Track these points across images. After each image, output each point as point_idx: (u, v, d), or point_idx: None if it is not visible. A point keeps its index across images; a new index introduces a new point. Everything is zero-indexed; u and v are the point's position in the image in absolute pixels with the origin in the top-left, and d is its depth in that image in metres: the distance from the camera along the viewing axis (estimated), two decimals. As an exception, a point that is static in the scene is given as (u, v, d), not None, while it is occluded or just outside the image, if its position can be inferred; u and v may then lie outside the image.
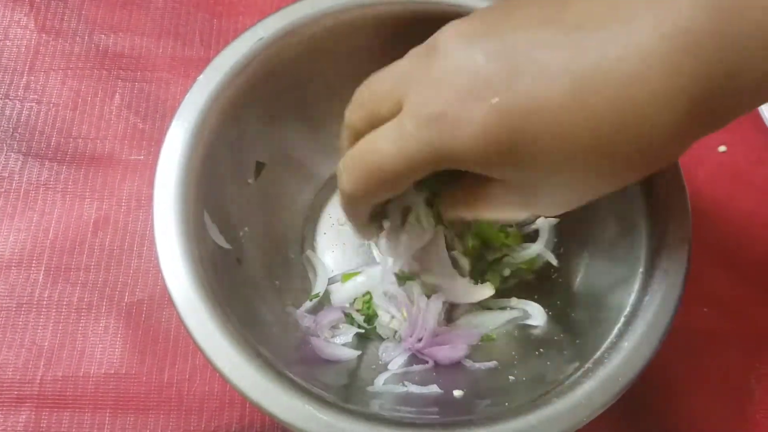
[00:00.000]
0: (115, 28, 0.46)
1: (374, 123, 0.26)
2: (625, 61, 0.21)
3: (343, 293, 0.37)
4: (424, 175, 0.25)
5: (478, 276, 0.37)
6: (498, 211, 0.28)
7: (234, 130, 0.33)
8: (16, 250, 0.40)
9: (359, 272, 0.38)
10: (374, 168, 0.25)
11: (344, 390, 0.32)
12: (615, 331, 0.29)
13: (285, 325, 0.35)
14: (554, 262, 0.37)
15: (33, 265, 0.39)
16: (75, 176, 0.42)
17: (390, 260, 0.36)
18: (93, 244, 0.40)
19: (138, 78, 0.45)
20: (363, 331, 0.36)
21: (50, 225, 0.40)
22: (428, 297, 0.35)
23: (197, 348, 0.27)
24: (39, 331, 0.38)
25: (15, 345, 0.37)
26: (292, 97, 0.36)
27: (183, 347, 0.38)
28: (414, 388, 0.33)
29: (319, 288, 0.37)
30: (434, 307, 0.35)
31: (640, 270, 0.30)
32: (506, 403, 0.29)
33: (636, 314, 0.29)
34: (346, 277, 0.38)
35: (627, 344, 0.28)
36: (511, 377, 0.33)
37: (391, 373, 0.34)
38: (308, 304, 0.37)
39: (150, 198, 0.30)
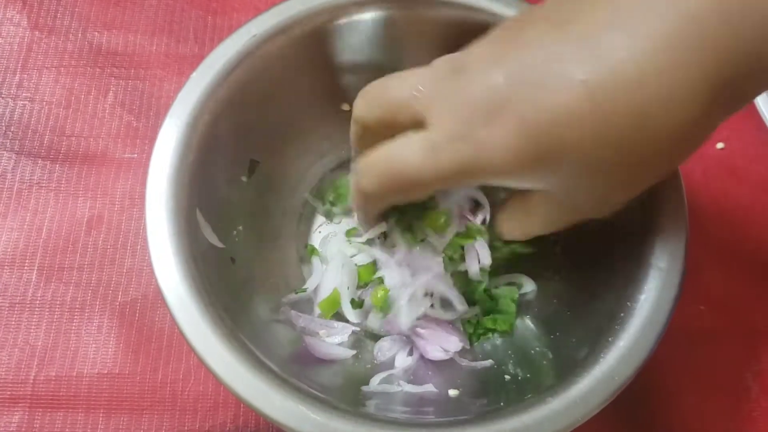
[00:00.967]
0: (108, 26, 0.46)
1: (390, 126, 0.27)
2: (634, 64, 0.21)
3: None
4: (448, 186, 0.26)
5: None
6: (547, 221, 0.29)
7: (227, 128, 0.33)
8: (9, 250, 0.39)
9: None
10: (397, 174, 0.27)
11: (339, 390, 0.32)
12: (611, 329, 0.29)
13: (279, 325, 0.34)
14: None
15: (26, 264, 0.39)
16: (68, 175, 0.41)
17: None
18: (86, 243, 0.40)
19: (132, 76, 0.44)
20: (358, 330, 0.36)
21: (43, 224, 0.40)
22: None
23: (190, 348, 0.27)
24: (32, 330, 0.37)
25: (8, 345, 0.37)
26: (285, 95, 0.36)
27: (177, 347, 0.37)
28: (409, 388, 0.32)
29: (311, 284, 0.37)
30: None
31: (636, 268, 0.30)
32: (501, 403, 0.29)
33: (632, 313, 0.29)
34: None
35: (623, 343, 0.28)
36: (506, 376, 0.32)
37: (387, 373, 0.34)
38: (293, 296, 0.36)
39: (143, 196, 0.30)
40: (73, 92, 0.44)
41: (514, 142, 0.23)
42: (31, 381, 0.36)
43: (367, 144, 0.29)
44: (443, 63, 0.26)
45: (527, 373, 0.32)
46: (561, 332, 0.33)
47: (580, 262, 0.35)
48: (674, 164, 0.26)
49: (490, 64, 0.24)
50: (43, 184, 0.41)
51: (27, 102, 0.43)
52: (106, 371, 0.37)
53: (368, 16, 0.34)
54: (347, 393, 0.31)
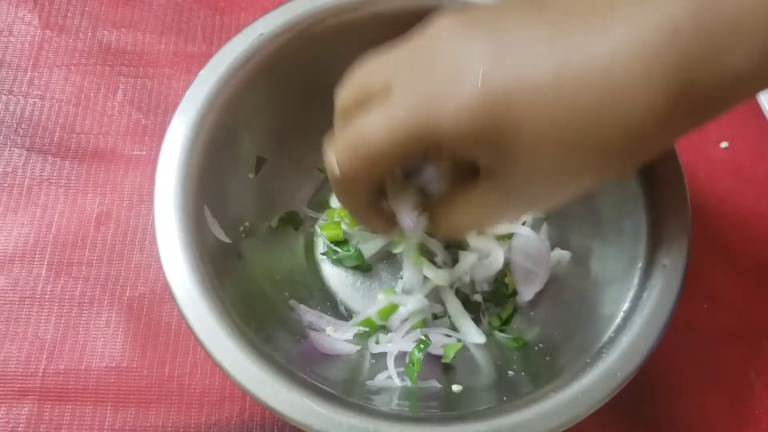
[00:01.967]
0: (118, 25, 0.46)
1: (363, 104, 0.26)
2: (604, 50, 0.22)
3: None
4: (410, 154, 0.25)
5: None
6: (486, 214, 0.28)
7: (235, 125, 0.34)
8: (19, 245, 0.40)
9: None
10: (361, 145, 0.26)
11: (344, 384, 0.32)
12: (614, 326, 0.29)
13: (285, 320, 0.35)
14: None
15: (36, 259, 0.40)
16: (77, 171, 0.42)
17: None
18: (95, 238, 0.40)
19: (140, 74, 0.45)
20: (365, 329, 0.37)
21: (53, 220, 0.41)
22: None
23: (197, 342, 0.27)
24: (41, 324, 0.38)
25: (18, 338, 0.38)
26: (292, 93, 0.36)
27: (184, 341, 0.38)
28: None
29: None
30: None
31: (639, 265, 0.30)
32: (504, 398, 0.29)
33: (635, 309, 0.29)
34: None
35: (625, 339, 0.28)
36: (509, 372, 0.33)
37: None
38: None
39: (152, 193, 0.30)
40: (83, 90, 0.44)
41: (472, 104, 0.23)
42: (41, 374, 0.37)
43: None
44: (413, 33, 0.26)
45: (529, 370, 0.33)
46: (563, 328, 0.34)
47: (580, 262, 0.36)
48: (625, 163, 0.25)
49: (461, 28, 0.24)
50: (53, 181, 0.42)
51: (38, 99, 0.44)
52: (114, 365, 0.37)
53: (376, 14, 0.34)
54: (352, 387, 0.32)
